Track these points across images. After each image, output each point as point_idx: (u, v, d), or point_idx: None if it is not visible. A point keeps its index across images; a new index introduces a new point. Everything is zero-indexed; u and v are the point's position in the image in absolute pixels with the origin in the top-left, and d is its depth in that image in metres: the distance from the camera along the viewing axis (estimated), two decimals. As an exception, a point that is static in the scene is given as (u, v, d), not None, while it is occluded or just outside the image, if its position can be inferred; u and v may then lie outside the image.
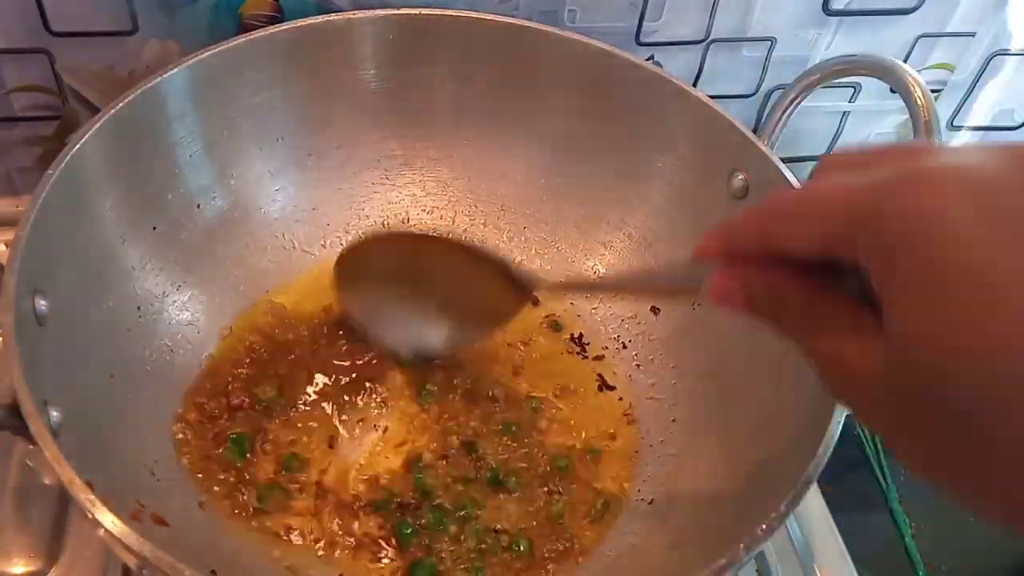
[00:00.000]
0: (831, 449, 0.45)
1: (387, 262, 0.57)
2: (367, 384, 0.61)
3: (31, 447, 0.57)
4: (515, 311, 0.57)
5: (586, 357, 0.66)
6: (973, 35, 0.76)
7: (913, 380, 0.26)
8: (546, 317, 0.67)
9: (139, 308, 0.58)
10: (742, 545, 0.42)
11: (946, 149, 0.29)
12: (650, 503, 0.58)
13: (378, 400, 0.61)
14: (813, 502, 0.64)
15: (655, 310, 0.67)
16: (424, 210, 0.72)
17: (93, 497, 0.39)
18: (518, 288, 0.54)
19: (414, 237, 0.60)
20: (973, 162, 0.26)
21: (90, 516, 0.39)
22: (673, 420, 0.62)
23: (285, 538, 0.53)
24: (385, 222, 0.71)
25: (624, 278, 0.57)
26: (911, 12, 0.74)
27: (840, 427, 0.46)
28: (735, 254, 0.33)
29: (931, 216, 0.25)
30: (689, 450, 0.60)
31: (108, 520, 0.39)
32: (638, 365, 0.66)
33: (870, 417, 0.29)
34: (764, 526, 0.43)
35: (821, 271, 0.30)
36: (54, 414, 0.44)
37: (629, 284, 0.54)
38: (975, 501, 0.27)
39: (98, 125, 0.53)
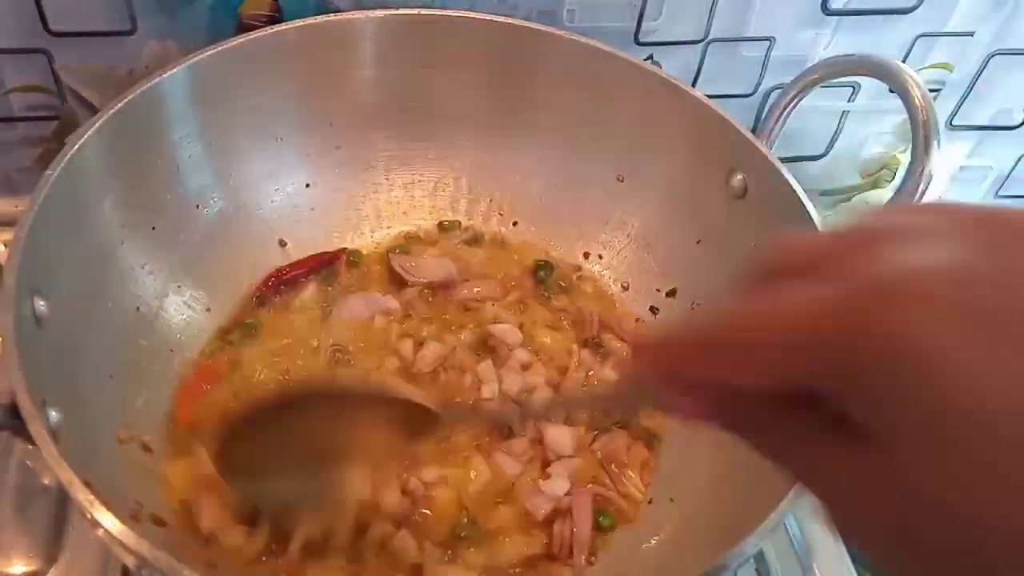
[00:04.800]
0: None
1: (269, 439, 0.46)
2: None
3: (30, 448, 0.57)
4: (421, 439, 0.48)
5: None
6: (972, 35, 0.76)
7: (924, 515, 0.23)
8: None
9: (138, 308, 0.58)
10: (741, 544, 0.42)
11: (904, 232, 0.24)
12: (649, 503, 0.58)
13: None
14: (812, 501, 0.63)
15: (654, 310, 0.67)
16: (423, 210, 0.72)
17: (92, 497, 0.39)
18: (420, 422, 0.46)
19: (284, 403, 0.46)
20: (949, 269, 0.22)
21: (89, 516, 0.39)
22: (670, 421, 0.62)
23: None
24: (380, 224, 0.71)
25: (571, 400, 0.51)
26: (910, 12, 0.74)
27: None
28: (672, 380, 0.28)
29: (918, 352, 0.22)
30: (688, 450, 0.60)
31: (107, 520, 0.39)
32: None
33: (880, 547, 0.25)
34: (762, 525, 0.43)
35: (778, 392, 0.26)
36: (53, 414, 0.44)
37: (575, 404, 0.49)
38: None
39: (97, 125, 0.53)
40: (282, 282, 0.66)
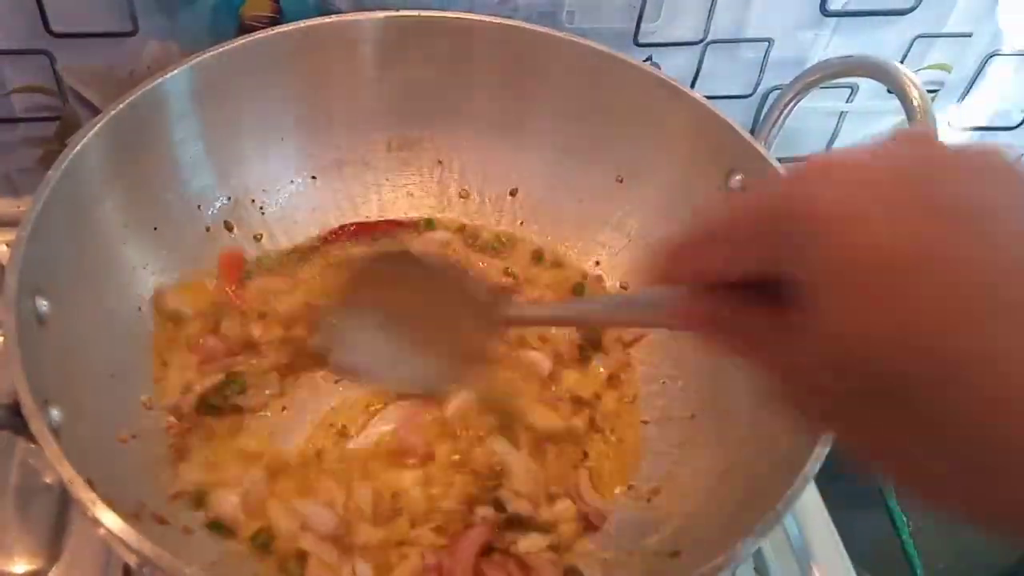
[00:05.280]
0: (828, 446, 0.45)
1: (370, 299, 0.53)
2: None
3: (32, 446, 0.57)
4: (489, 345, 0.53)
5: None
6: (970, 35, 0.76)
7: (847, 367, 0.27)
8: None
9: (140, 309, 0.58)
10: (740, 543, 0.42)
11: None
12: (648, 501, 0.58)
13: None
14: (811, 500, 0.64)
15: (653, 310, 0.67)
16: (423, 210, 0.72)
17: (94, 496, 0.39)
18: (490, 320, 0.51)
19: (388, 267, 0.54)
20: (859, 157, 0.29)
21: (90, 515, 0.39)
22: (670, 419, 0.62)
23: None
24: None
25: (597, 308, 0.54)
26: (908, 13, 0.74)
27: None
28: (684, 279, 0.35)
29: (829, 214, 0.27)
30: (688, 448, 0.60)
31: (109, 519, 0.39)
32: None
33: (823, 415, 0.31)
34: (762, 523, 0.43)
35: (754, 285, 0.31)
36: (55, 413, 0.44)
37: (603, 315, 0.51)
38: (922, 488, 0.28)
39: (99, 126, 0.53)
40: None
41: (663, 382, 0.64)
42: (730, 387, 0.60)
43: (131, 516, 0.45)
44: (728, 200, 0.37)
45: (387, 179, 0.71)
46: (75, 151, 0.51)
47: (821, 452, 0.45)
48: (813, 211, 0.27)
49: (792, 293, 0.29)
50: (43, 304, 0.47)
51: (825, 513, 0.64)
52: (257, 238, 0.66)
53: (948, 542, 0.68)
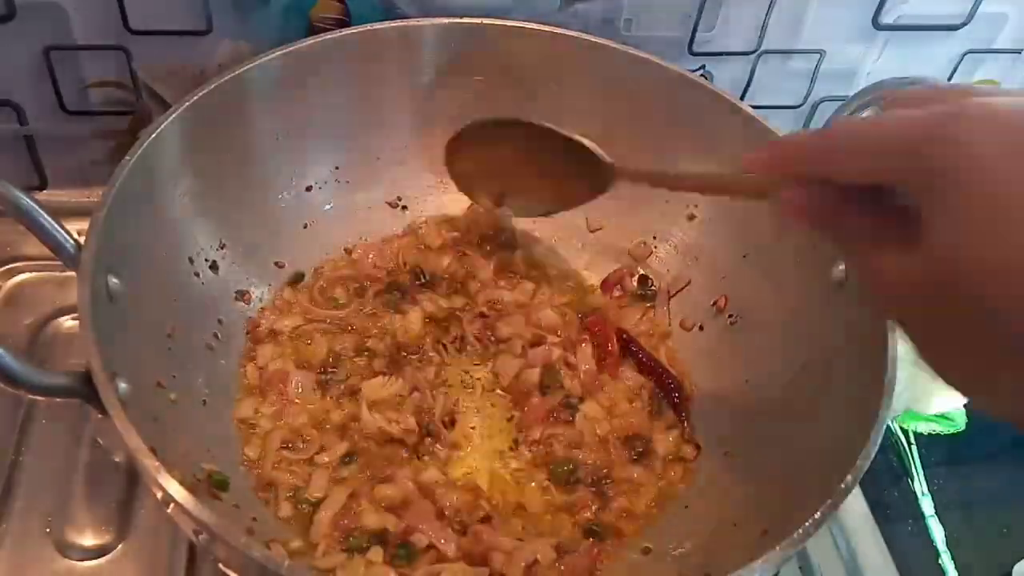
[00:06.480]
0: (870, 459, 0.45)
1: (491, 144, 0.64)
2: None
3: (100, 426, 0.59)
4: (593, 194, 0.62)
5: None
6: (1020, 52, 0.76)
7: (948, 285, 0.32)
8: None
9: (202, 285, 0.61)
10: (778, 547, 0.43)
11: (991, 92, 0.33)
12: (686, 508, 0.59)
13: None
14: (859, 513, 0.63)
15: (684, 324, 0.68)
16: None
17: (158, 463, 0.41)
18: (600, 172, 0.60)
19: (511, 123, 0.63)
20: (1007, 105, 0.31)
21: (154, 482, 0.41)
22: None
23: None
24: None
25: (701, 176, 0.59)
26: (959, 28, 0.74)
27: (880, 438, 0.47)
28: (787, 174, 0.38)
29: (967, 150, 0.31)
30: (729, 458, 0.60)
31: (172, 487, 0.41)
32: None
33: (904, 316, 0.36)
34: (801, 530, 0.43)
35: (865, 190, 0.35)
36: (122, 385, 0.46)
37: (705, 182, 0.56)
38: (980, 392, 0.34)
39: (174, 115, 0.55)
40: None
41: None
42: (770, 400, 0.60)
43: (190, 485, 0.47)
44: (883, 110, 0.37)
45: (441, 182, 0.73)
46: (152, 137, 0.53)
47: (862, 464, 0.45)
48: (967, 153, 0.30)
49: (901, 206, 0.33)
50: (114, 282, 0.49)
51: (875, 527, 0.63)
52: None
53: (986, 554, 0.66)
